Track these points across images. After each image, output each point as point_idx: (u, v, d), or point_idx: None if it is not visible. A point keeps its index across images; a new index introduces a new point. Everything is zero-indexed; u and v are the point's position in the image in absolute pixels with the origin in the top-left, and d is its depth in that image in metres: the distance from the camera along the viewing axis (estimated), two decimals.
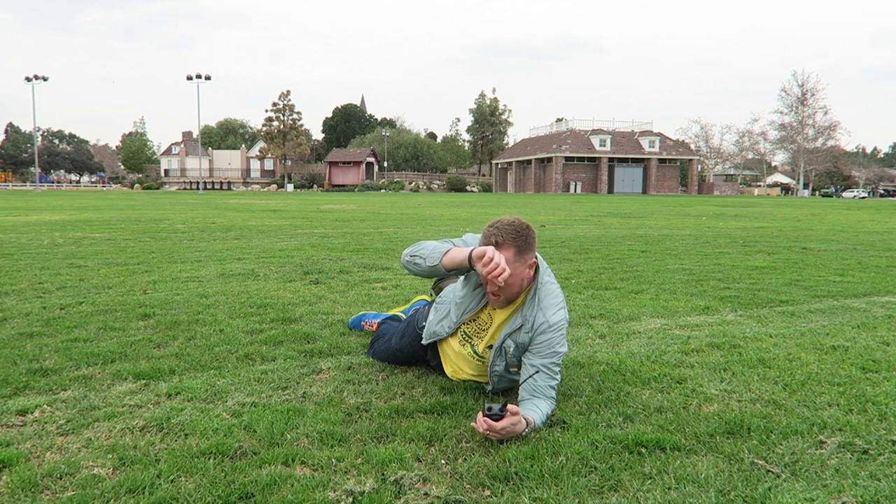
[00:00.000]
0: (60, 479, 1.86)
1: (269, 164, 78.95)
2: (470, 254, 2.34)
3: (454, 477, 1.90)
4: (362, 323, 3.55)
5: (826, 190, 72.84)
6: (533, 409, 2.29)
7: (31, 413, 2.34)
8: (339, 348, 3.24)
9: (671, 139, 65.68)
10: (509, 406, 2.10)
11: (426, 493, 1.79)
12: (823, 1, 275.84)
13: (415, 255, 2.52)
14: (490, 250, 2.25)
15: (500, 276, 2.23)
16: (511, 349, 2.46)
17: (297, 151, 72.84)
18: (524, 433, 2.16)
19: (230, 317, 3.91)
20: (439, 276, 2.71)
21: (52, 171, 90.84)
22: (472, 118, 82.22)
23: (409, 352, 2.85)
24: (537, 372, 2.38)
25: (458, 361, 2.68)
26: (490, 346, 2.54)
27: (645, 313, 4.12)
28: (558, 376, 2.42)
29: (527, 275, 2.44)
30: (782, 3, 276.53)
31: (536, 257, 2.48)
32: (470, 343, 2.62)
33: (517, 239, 2.36)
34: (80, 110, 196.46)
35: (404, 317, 3.29)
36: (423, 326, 2.78)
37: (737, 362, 3.04)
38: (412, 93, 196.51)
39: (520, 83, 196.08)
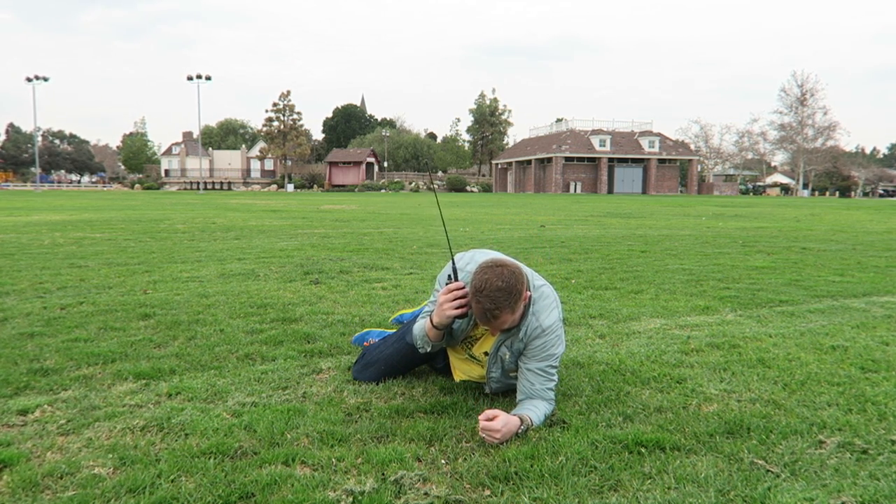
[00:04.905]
0: (61, 478, 1.86)
1: (269, 165, 78.93)
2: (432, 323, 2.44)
3: (454, 477, 1.90)
4: (365, 344, 3.50)
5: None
6: (530, 408, 2.29)
7: (32, 413, 2.35)
8: (339, 348, 3.25)
9: (671, 139, 65.62)
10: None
11: (426, 493, 1.80)
12: (824, 1, 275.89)
13: (413, 333, 2.60)
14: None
15: (457, 308, 2.35)
16: (507, 357, 2.45)
17: (298, 151, 72.80)
18: (520, 431, 2.16)
19: (230, 317, 3.91)
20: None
21: (52, 171, 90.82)
22: (472, 118, 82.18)
23: (407, 351, 2.78)
24: (533, 375, 2.37)
25: (456, 363, 2.68)
26: (486, 353, 2.54)
27: (645, 313, 4.13)
28: (555, 377, 2.41)
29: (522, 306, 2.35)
30: (783, 2, 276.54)
31: (523, 271, 2.38)
32: (467, 349, 2.63)
33: (510, 300, 2.22)
34: (81, 110, 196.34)
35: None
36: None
37: (736, 362, 3.04)
38: (412, 93, 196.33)
39: (520, 83, 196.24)
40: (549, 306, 2.44)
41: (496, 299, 2.20)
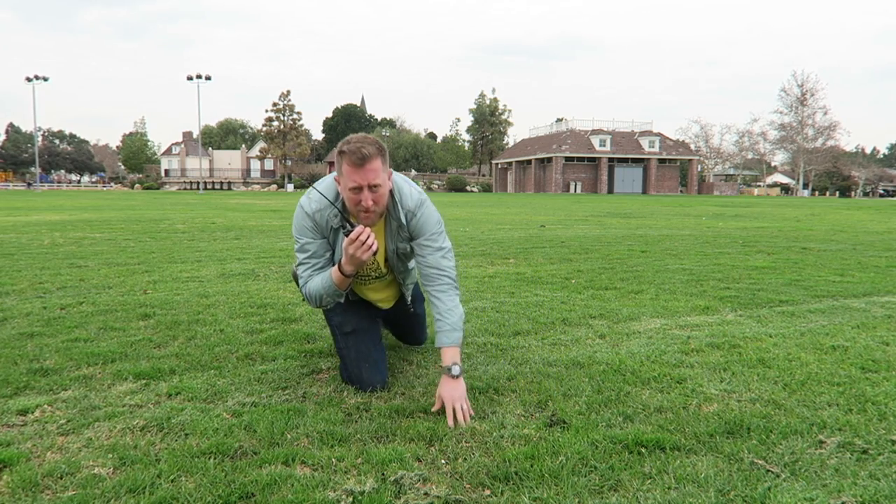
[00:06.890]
0: (61, 478, 1.86)
1: (269, 165, 78.97)
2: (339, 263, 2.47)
3: (454, 477, 1.90)
4: None
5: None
6: (444, 337, 2.44)
7: (32, 413, 2.35)
8: None
9: (671, 139, 65.61)
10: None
11: (426, 493, 1.80)
12: (824, 1, 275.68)
13: (313, 296, 2.57)
14: (363, 235, 2.34)
15: (370, 248, 2.35)
16: (397, 250, 2.61)
17: (298, 151, 72.79)
18: (457, 376, 2.35)
19: (230, 317, 3.91)
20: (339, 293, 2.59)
21: (52, 171, 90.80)
22: (472, 118, 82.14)
23: (338, 330, 2.76)
24: (426, 252, 2.53)
25: (368, 294, 2.81)
26: (386, 260, 2.68)
27: (645, 313, 4.12)
28: (446, 243, 2.56)
29: (389, 185, 2.50)
30: (783, 2, 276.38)
31: None
32: (364, 282, 2.75)
33: (379, 147, 2.37)
34: (81, 110, 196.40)
35: None
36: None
37: (737, 362, 3.04)
38: (412, 93, 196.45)
39: (520, 83, 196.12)
40: (409, 189, 2.57)
41: (363, 141, 2.35)
